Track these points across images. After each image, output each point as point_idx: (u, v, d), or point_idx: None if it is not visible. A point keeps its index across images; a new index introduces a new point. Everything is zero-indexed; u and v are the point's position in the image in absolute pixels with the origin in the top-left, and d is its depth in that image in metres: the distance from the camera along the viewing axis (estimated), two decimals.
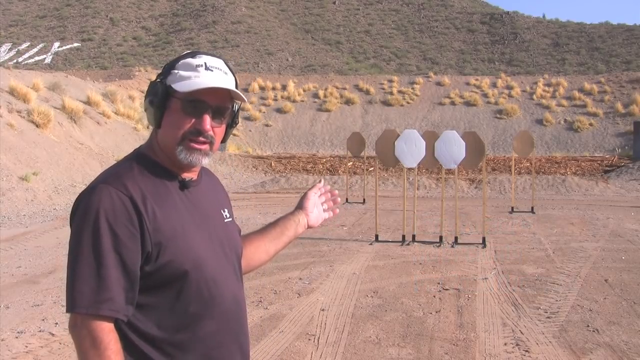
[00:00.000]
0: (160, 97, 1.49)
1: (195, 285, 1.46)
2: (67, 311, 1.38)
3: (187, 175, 1.55)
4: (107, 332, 1.36)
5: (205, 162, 1.53)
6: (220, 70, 1.51)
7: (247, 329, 1.64)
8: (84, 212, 1.41)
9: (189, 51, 1.57)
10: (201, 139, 1.49)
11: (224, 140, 1.62)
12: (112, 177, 1.46)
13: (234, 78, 1.55)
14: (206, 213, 1.56)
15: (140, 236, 1.40)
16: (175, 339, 1.45)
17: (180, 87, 1.47)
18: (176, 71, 1.50)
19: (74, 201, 1.49)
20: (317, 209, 1.94)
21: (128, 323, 1.42)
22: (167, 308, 1.45)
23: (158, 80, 1.52)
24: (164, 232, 1.43)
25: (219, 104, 1.51)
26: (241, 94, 1.53)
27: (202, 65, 1.49)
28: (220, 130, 1.55)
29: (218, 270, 1.52)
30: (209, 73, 1.49)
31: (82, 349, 1.36)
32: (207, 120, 1.49)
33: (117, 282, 1.38)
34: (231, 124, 1.60)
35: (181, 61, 1.52)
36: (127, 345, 1.42)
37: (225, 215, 1.64)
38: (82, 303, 1.35)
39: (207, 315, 1.48)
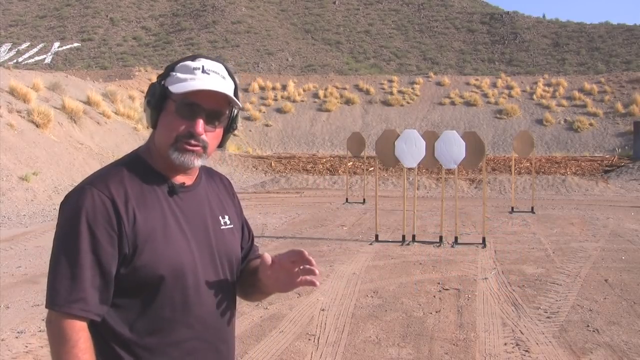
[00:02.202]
0: (157, 98, 1.50)
1: (171, 290, 1.46)
2: (45, 307, 1.43)
3: (180, 180, 1.54)
4: (77, 330, 1.39)
5: (198, 163, 1.52)
6: (218, 74, 1.50)
7: (231, 338, 1.61)
8: (68, 211, 1.44)
9: (191, 54, 1.57)
10: (193, 142, 1.48)
11: (221, 145, 1.60)
12: (98, 178, 1.48)
13: (233, 83, 1.54)
14: (197, 219, 1.54)
15: (118, 238, 1.42)
16: (147, 342, 1.45)
17: (175, 88, 1.47)
18: (174, 73, 1.50)
19: (62, 200, 1.51)
20: (282, 275, 1.52)
21: (101, 323, 1.43)
22: (140, 311, 1.45)
23: (157, 81, 1.53)
24: (142, 236, 1.44)
25: (214, 108, 1.49)
26: (236, 100, 1.52)
27: (199, 68, 1.49)
28: (215, 135, 1.53)
29: (201, 278, 1.50)
30: (205, 76, 1.48)
31: (52, 345, 1.42)
32: (200, 123, 1.48)
33: (91, 282, 1.40)
34: (229, 129, 1.58)
35: (180, 64, 1.52)
36: (99, 344, 1.43)
37: (224, 222, 1.61)
38: (56, 301, 1.39)
39: (183, 321, 1.48)
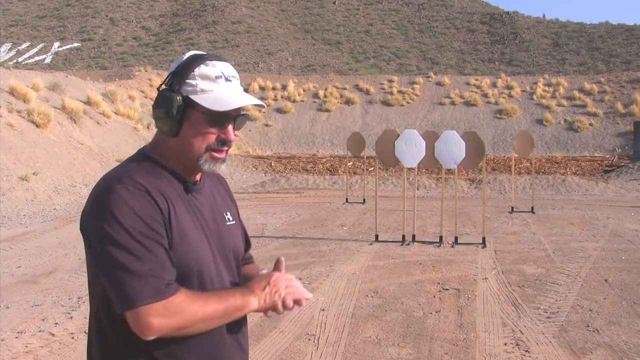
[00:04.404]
0: (179, 109, 1.48)
1: (199, 285, 1.48)
2: (133, 307, 1.36)
3: (190, 178, 1.57)
4: (185, 292, 1.41)
5: (223, 168, 1.57)
6: (236, 78, 1.54)
7: (245, 330, 1.65)
8: (108, 213, 1.38)
9: (194, 53, 1.54)
10: (225, 148, 1.54)
11: None
12: (123, 175, 1.45)
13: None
14: (208, 216, 1.57)
15: (164, 227, 1.43)
16: (181, 338, 1.45)
17: (209, 103, 1.47)
18: (194, 82, 1.49)
19: (88, 207, 1.45)
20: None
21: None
22: None
23: (169, 88, 1.50)
24: (177, 230, 1.46)
25: (240, 114, 1.55)
26: (263, 103, 1.58)
27: (221, 77, 1.50)
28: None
29: (218, 272, 1.54)
30: (230, 85, 1.51)
31: (185, 319, 1.39)
32: (231, 130, 1.54)
33: (167, 263, 1.41)
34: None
35: (195, 70, 1.49)
36: (132, 344, 1.42)
37: (228, 218, 1.65)
38: (148, 293, 1.36)
39: None
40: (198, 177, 1.59)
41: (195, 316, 1.40)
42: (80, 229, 1.47)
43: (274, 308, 1.52)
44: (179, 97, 1.48)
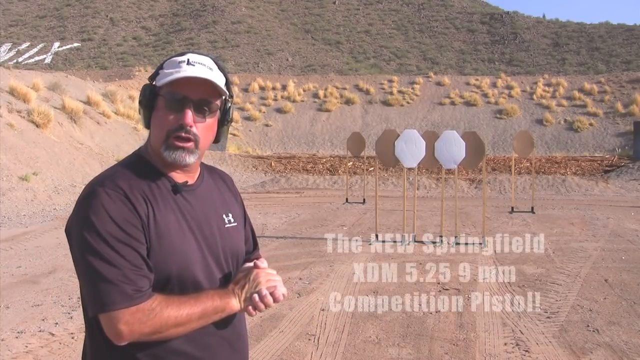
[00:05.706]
0: (148, 97, 1.50)
1: (180, 288, 1.46)
2: (105, 311, 1.36)
3: (181, 178, 1.54)
4: (158, 297, 1.41)
5: (190, 160, 1.49)
6: (204, 65, 1.50)
7: (244, 332, 1.62)
8: (86, 217, 1.40)
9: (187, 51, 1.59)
10: (183, 134, 1.46)
11: (217, 140, 1.59)
12: (107, 179, 1.46)
13: (223, 75, 1.54)
14: (202, 218, 1.54)
15: (142, 231, 1.42)
16: (162, 340, 1.44)
17: (160, 82, 1.49)
18: (162, 70, 1.52)
19: (73, 208, 1.47)
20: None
21: None
22: None
23: (148, 82, 1.55)
24: (158, 232, 1.44)
25: (201, 98, 1.48)
26: (222, 87, 1.51)
27: (184, 61, 1.49)
28: (206, 127, 1.51)
29: (207, 276, 1.51)
30: (190, 67, 1.48)
31: (165, 324, 1.39)
32: (189, 114, 1.47)
33: (141, 270, 1.40)
34: (223, 122, 1.57)
35: (168, 60, 1.53)
36: (113, 346, 1.41)
37: (228, 220, 1.61)
38: (118, 299, 1.36)
39: None
40: (190, 177, 1.56)
41: (168, 322, 1.39)
42: (65, 231, 1.48)
43: (254, 306, 1.49)
44: (149, 86, 1.51)
